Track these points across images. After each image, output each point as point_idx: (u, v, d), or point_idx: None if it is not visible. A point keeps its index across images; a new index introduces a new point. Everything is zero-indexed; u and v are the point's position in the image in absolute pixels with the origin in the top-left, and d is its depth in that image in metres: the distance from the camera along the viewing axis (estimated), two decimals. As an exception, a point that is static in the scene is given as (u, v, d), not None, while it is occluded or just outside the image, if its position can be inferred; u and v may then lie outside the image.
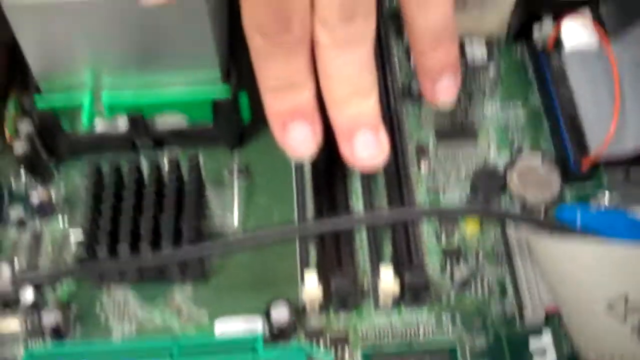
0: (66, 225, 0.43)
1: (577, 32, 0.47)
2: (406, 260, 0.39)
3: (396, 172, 0.42)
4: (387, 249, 0.40)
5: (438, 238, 0.42)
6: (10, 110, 0.45)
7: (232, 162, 0.44)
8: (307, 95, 0.35)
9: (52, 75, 0.40)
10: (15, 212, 0.42)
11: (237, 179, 0.43)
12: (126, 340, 0.39)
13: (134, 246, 0.38)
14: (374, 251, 0.40)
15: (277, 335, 0.38)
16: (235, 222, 0.42)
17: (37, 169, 0.43)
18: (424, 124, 0.46)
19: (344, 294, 0.38)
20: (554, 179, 0.42)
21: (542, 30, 0.47)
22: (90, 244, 0.38)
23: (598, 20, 0.48)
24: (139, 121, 0.42)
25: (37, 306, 0.39)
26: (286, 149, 0.36)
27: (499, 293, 0.40)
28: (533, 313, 0.38)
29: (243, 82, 0.42)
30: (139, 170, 0.40)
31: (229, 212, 0.43)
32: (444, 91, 0.38)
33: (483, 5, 0.48)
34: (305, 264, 0.39)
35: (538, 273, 0.39)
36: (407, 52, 0.48)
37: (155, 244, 0.38)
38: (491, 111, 0.46)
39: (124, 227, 0.38)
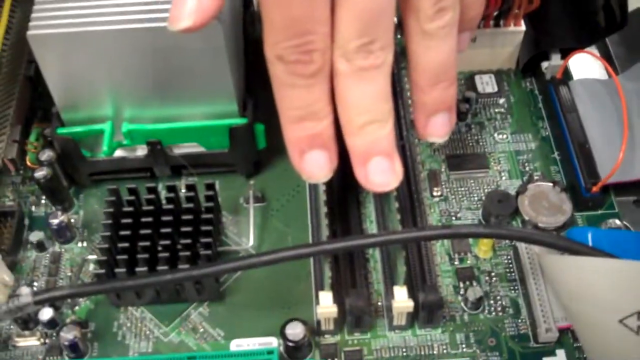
0: (85, 249, 0.43)
1: (584, 63, 0.49)
2: (420, 281, 0.39)
3: (409, 197, 0.42)
4: (401, 269, 0.41)
5: (451, 259, 0.42)
6: (32, 139, 0.46)
7: (248, 188, 0.45)
8: (325, 124, 0.35)
9: (75, 107, 0.42)
10: (35, 236, 0.43)
11: (252, 205, 0.44)
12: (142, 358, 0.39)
13: (152, 269, 0.39)
14: (387, 272, 0.40)
15: (293, 354, 0.38)
16: (251, 246, 0.43)
17: (58, 195, 0.44)
18: (435, 152, 0.47)
19: (359, 314, 0.39)
20: (566, 205, 0.43)
21: (551, 62, 0.48)
22: (108, 262, 0.39)
23: (604, 55, 0.49)
24: (158, 149, 0.43)
25: (55, 325, 0.40)
26: (302, 174, 0.36)
27: (513, 312, 0.40)
28: (546, 332, 0.38)
29: (258, 114, 0.43)
30: (156, 193, 0.41)
31: (245, 237, 0.43)
32: (436, 128, 0.38)
33: (493, 42, 0.49)
34: (320, 284, 0.39)
35: (551, 292, 0.39)
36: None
37: (172, 267, 0.39)
38: (502, 140, 0.47)
39: (142, 250, 0.39)
